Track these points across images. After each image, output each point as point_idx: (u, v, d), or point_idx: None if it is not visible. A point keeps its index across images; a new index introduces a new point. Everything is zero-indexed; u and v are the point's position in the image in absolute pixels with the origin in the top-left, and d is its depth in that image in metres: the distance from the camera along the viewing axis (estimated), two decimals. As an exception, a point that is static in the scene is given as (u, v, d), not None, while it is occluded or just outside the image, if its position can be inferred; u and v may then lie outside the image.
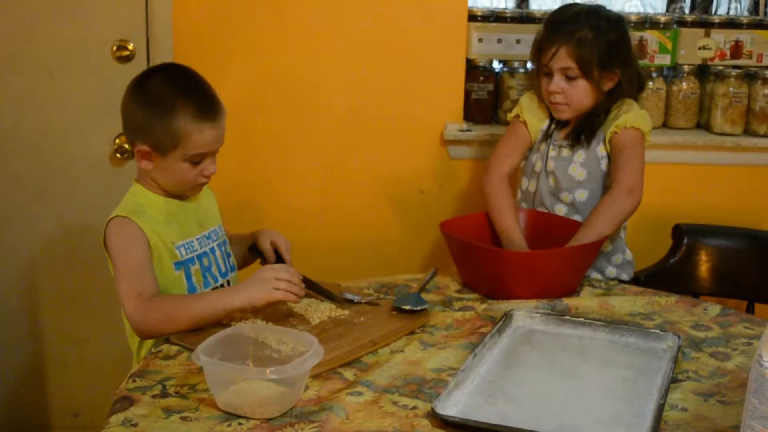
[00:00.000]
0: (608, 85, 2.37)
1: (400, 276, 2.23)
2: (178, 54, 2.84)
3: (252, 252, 2.17)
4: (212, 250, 2.05)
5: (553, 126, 2.46)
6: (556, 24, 2.38)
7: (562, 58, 2.33)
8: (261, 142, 2.97)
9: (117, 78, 2.62)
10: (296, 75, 2.93)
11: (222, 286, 2.06)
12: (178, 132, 1.90)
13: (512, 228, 2.30)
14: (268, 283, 1.81)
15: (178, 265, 1.96)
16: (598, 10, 2.42)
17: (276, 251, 2.13)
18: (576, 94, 2.35)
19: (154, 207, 1.96)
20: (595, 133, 2.38)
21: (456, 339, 1.86)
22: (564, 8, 2.45)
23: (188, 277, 1.98)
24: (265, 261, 2.13)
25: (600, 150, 2.38)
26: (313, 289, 2.00)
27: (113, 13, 2.81)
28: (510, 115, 2.54)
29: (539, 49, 2.40)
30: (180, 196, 2.02)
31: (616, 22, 2.40)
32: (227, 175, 2.81)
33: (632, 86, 2.42)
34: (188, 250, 1.98)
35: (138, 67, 2.78)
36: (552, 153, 2.43)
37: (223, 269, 2.08)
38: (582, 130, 2.40)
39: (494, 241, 2.33)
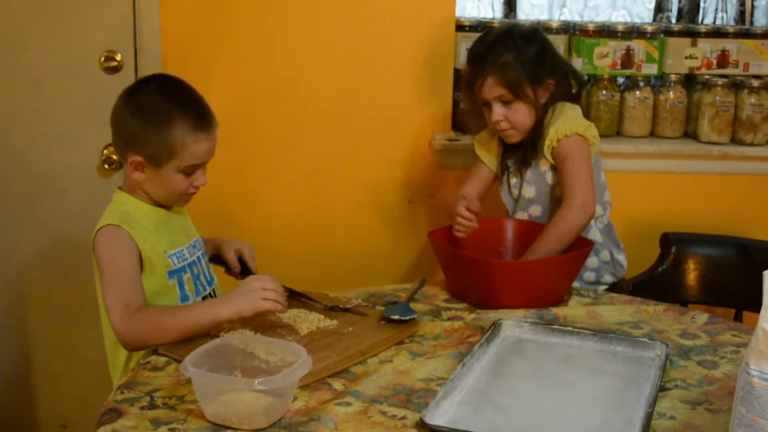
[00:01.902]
0: (545, 97, 2.39)
1: (389, 286, 2.24)
2: (167, 64, 2.84)
3: (214, 262, 2.16)
4: (198, 259, 2.06)
5: (503, 160, 2.51)
6: (478, 56, 2.40)
7: (492, 87, 2.35)
8: (248, 152, 2.97)
9: (105, 89, 2.62)
10: (283, 85, 2.94)
11: (210, 294, 2.06)
12: (175, 143, 1.90)
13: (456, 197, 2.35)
14: (256, 293, 1.81)
15: (172, 273, 1.96)
16: (512, 30, 2.42)
17: (241, 260, 2.13)
18: (517, 117, 2.37)
19: (144, 216, 1.96)
20: (537, 148, 2.40)
21: (445, 349, 1.86)
22: (480, 40, 2.45)
23: (181, 285, 1.98)
24: (229, 271, 2.13)
25: (542, 165, 2.40)
26: (298, 296, 2.00)
27: (101, 24, 2.81)
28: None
29: (470, 86, 2.42)
30: (166, 205, 2.02)
31: (532, 35, 2.41)
32: (213, 184, 2.80)
33: (567, 88, 2.44)
34: (180, 259, 1.99)
35: (126, 77, 2.78)
36: (513, 180, 2.48)
37: (208, 278, 2.09)
38: (527, 150, 2.42)
39: (482, 251, 2.32)
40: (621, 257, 2.51)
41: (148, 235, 1.92)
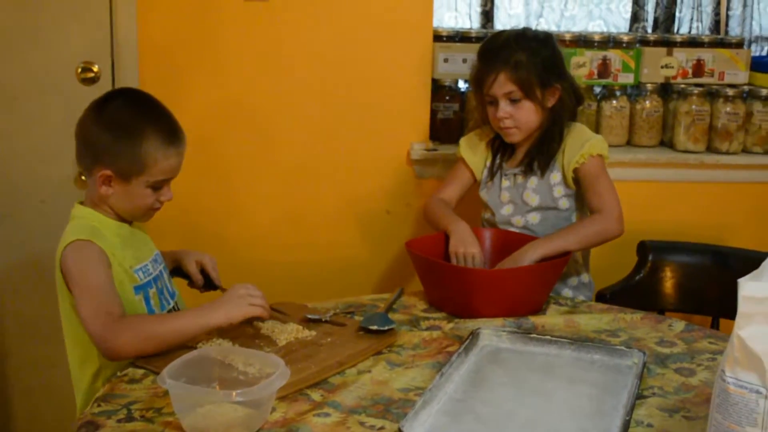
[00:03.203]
0: (551, 102, 2.42)
1: (367, 296, 2.24)
2: (144, 75, 2.84)
3: (175, 275, 2.15)
4: (161, 272, 2.05)
5: (498, 161, 2.51)
6: (490, 53, 2.43)
7: (503, 84, 2.38)
8: (225, 164, 2.97)
9: (82, 100, 2.57)
10: (261, 96, 2.94)
11: (174, 307, 2.05)
12: (146, 158, 1.90)
13: (458, 219, 2.34)
14: (244, 300, 1.83)
15: (138, 289, 1.95)
16: (526, 32, 2.48)
17: (203, 272, 2.12)
18: (523, 116, 2.40)
19: (109, 231, 1.94)
20: (550, 161, 2.41)
21: (423, 358, 1.86)
22: (493, 38, 2.50)
23: (147, 300, 1.97)
24: (191, 283, 2.12)
25: (553, 177, 2.42)
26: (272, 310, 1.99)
27: (78, 35, 2.80)
28: (456, 156, 2.60)
29: (479, 82, 2.45)
30: (128, 221, 2.01)
31: (545, 40, 2.46)
32: (191, 196, 2.81)
33: (572, 99, 2.46)
34: (145, 274, 1.98)
35: (103, 89, 2.76)
36: (506, 184, 2.48)
37: (170, 291, 2.07)
38: (535, 157, 2.43)
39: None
40: (588, 280, 2.54)
41: (114, 251, 1.90)
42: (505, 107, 2.39)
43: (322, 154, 2.99)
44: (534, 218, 2.44)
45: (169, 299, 2.05)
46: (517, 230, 2.44)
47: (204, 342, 1.82)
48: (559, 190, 2.43)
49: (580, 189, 2.43)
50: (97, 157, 1.92)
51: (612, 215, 2.33)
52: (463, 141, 2.59)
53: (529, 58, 2.38)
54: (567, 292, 2.49)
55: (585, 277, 2.53)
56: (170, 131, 1.95)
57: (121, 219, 1.98)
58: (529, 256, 2.19)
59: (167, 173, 1.94)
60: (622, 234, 2.35)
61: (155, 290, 2.00)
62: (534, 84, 2.38)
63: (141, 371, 1.76)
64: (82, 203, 1.99)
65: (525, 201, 2.45)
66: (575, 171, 2.40)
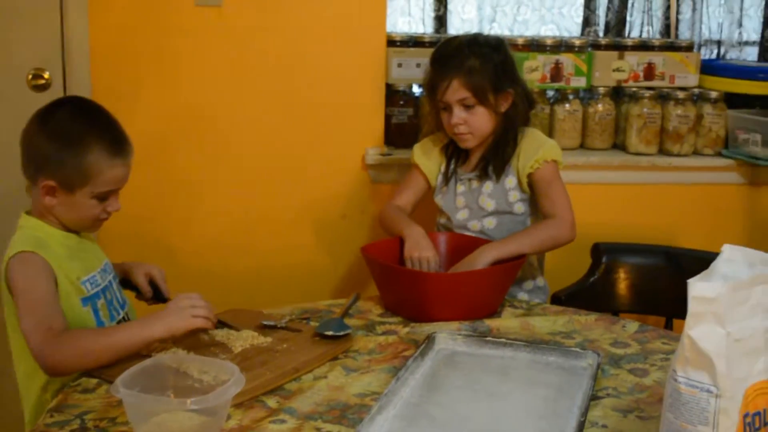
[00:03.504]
0: (504, 107, 2.43)
1: (323, 301, 2.23)
2: (96, 83, 2.82)
3: (123, 287, 2.12)
4: (110, 283, 2.02)
5: (453, 166, 2.51)
6: (443, 59, 2.44)
7: (457, 90, 2.38)
8: (178, 171, 2.95)
9: (33, 107, 2.54)
10: (214, 102, 2.92)
11: (124, 318, 2.02)
12: (90, 169, 1.87)
13: (412, 224, 2.34)
14: (186, 311, 1.80)
15: (86, 300, 1.92)
16: (478, 38, 2.48)
17: (152, 283, 2.10)
18: (477, 121, 2.40)
19: (55, 242, 1.91)
20: (505, 166, 2.43)
21: (379, 363, 1.86)
22: (445, 44, 2.50)
23: (96, 312, 1.93)
24: (140, 295, 2.10)
25: (508, 182, 2.43)
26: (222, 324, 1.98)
27: (29, 41, 2.77)
28: (411, 161, 2.59)
29: (432, 88, 2.45)
30: (76, 230, 1.98)
31: (497, 45, 2.46)
32: (140, 206, 2.79)
33: (525, 104, 2.47)
34: (93, 285, 1.94)
35: (54, 96, 2.73)
36: (461, 189, 2.48)
37: (120, 301, 2.05)
38: (490, 162, 2.44)
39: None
40: (543, 284, 2.56)
41: (61, 262, 1.87)
42: (459, 113, 2.40)
43: (276, 159, 2.98)
44: (490, 223, 2.45)
45: (119, 309, 2.02)
46: (472, 234, 2.44)
47: (158, 350, 1.81)
48: (514, 195, 2.44)
49: (534, 194, 2.44)
50: (41, 167, 1.89)
51: (565, 221, 2.35)
52: (417, 147, 2.59)
53: (481, 63, 2.39)
54: (523, 296, 2.50)
55: (540, 281, 2.55)
56: (116, 141, 1.92)
57: (68, 229, 1.95)
58: (482, 259, 2.20)
59: (112, 184, 1.91)
60: (573, 240, 2.37)
61: (104, 301, 1.96)
62: (487, 90, 2.39)
63: (94, 381, 1.74)
64: (29, 213, 1.96)
65: (480, 206, 2.45)
66: (529, 176, 2.41)
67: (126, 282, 2.12)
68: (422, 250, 2.25)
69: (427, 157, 2.55)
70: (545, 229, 2.34)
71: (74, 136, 1.88)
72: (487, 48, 2.43)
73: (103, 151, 1.88)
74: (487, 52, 2.41)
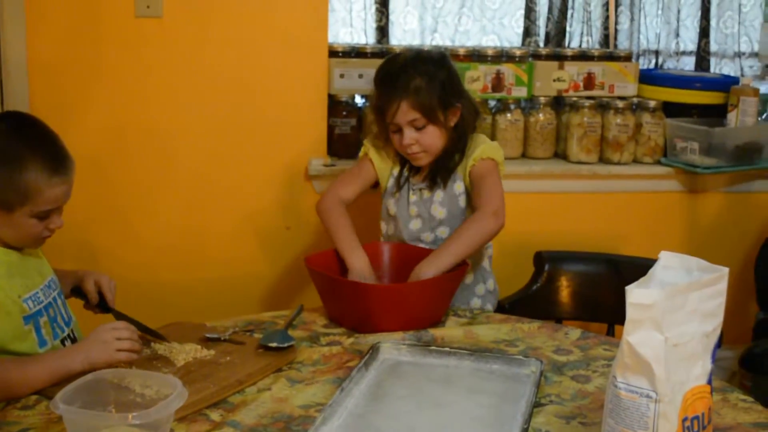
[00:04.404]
0: (453, 121, 2.42)
1: (267, 313, 2.22)
2: (35, 96, 2.78)
3: (75, 294, 2.09)
4: (54, 299, 1.98)
5: (405, 173, 2.50)
6: (388, 80, 2.41)
7: (406, 112, 2.36)
8: (120, 184, 2.92)
9: (-31, 120, 2.54)
10: (156, 114, 2.90)
11: (68, 335, 1.99)
12: (28, 188, 1.82)
13: (358, 253, 2.30)
14: (110, 345, 1.75)
15: (27, 318, 1.87)
16: (420, 54, 2.46)
17: (99, 292, 2.06)
18: (429, 140, 2.39)
19: None
20: (452, 174, 2.43)
21: (323, 374, 1.85)
22: (389, 64, 2.48)
23: (38, 330, 1.89)
24: (87, 304, 2.07)
25: (456, 188, 2.43)
26: (148, 333, 1.95)
27: (-36, 54, 2.73)
28: (361, 154, 2.56)
29: (380, 110, 2.42)
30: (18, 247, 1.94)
31: (441, 60, 2.45)
32: (84, 217, 2.76)
33: (472, 114, 2.47)
34: (35, 302, 1.90)
35: (-8, 109, 2.71)
36: (413, 198, 2.47)
37: (66, 318, 2.01)
38: (438, 172, 2.44)
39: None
40: (494, 287, 2.56)
41: (0, 281, 1.83)
42: (410, 134, 2.37)
43: (218, 170, 2.97)
44: (443, 232, 2.44)
45: (64, 327, 1.98)
46: (426, 245, 2.43)
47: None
48: (463, 200, 2.43)
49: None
50: None
51: (485, 211, 2.29)
52: (370, 141, 2.55)
53: (428, 83, 2.36)
54: (476, 301, 2.50)
55: (491, 285, 2.54)
56: (55, 159, 1.87)
57: (10, 246, 1.91)
58: (424, 278, 2.18)
59: (53, 203, 1.87)
60: (501, 227, 2.30)
61: (47, 318, 1.92)
62: (436, 108, 2.36)
63: (34, 397, 1.71)
64: None
65: (432, 215, 2.45)
66: (469, 175, 2.41)
67: (78, 290, 2.08)
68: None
69: (380, 155, 2.52)
70: (468, 227, 2.28)
71: (11, 154, 1.83)
72: (431, 65, 2.40)
73: (41, 170, 1.83)
74: (432, 70, 2.39)
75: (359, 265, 2.27)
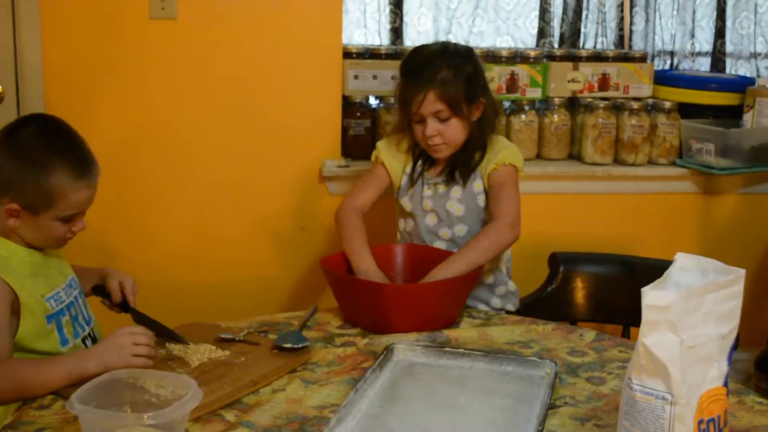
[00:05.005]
0: (476, 116, 2.42)
1: (281, 314, 2.22)
2: (50, 97, 2.79)
3: (96, 292, 2.10)
4: (75, 299, 1.99)
5: (419, 167, 2.49)
6: (415, 71, 2.40)
7: (432, 103, 2.36)
8: (134, 186, 2.93)
9: (-14, 121, 2.56)
10: (170, 116, 2.91)
11: (89, 334, 2.00)
12: (54, 192, 1.84)
13: (364, 255, 2.30)
14: (126, 350, 1.75)
15: (50, 318, 1.88)
16: (447, 47, 2.46)
17: (122, 293, 2.07)
18: (452, 133, 2.38)
19: (18, 260, 1.88)
20: (472, 172, 2.43)
21: (338, 375, 1.85)
22: (415, 54, 2.47)
23: (60, 329, 1.91)
24: (110, 301, 2.08)
25: (476, 186, 2.42)
26: (167, 334, 1.96)
27: (-20, 55, 2.75)
28: (372, 159, 2.56)
29: (405, 100, 2.42)
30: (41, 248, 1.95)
31: (468, 54, 2.45)
32: (100, 220, 2.76)
33: (493, 112, 2.47)
34: (58, 302, 1.91)
35: (7, 110, 2.73)
36: (428, 192, 2.46)
37: (87, 317, 2.02)
38: (456, 167, 2.44)
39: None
40: (514, 288, 2.56)
41: (24, 280, 1.84)
42: (433, 125, 2.37)
43: (233, 172, 2.97)
44: (461, 230, 2.44)
45: (85, 326, 2.00)
46: (443, 242, 2.44)
47: (114, 365, 1.79)
48: (482, 199, 2.43)
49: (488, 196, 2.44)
50: (4, 188, 1.85)
51: (503, 222, 2.31)
52: (381, 144, 2.56)
53: (455, 75, 2.36)
54: (496, 302, 2.50)
55: (511, 286, 2.54)
56: (80, 163, 1.88)
57: (33, 246, 1.92)
58: None
59: (77, 207, 1.89)
60: (516, 239, 2.32)
61: (68, 318, 1.94)
62: (461, 101, 2.36)
63: (50, 396, 1.72)
64: None
65: (449, 211, 2.44)
66: (488, 178, 2.41)
67: (102, 288, 2.09)
68: None
69: (392, 156, 2.52)
70: (485, 237, 2.29)
71: (38, 158, 1.84)
72: (459, 58, 2.40)
73: (66, 174, 1.84)
74: (459, 62, 2.39)
75: (365, 266, 2.27)
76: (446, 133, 2.38)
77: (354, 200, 2.49)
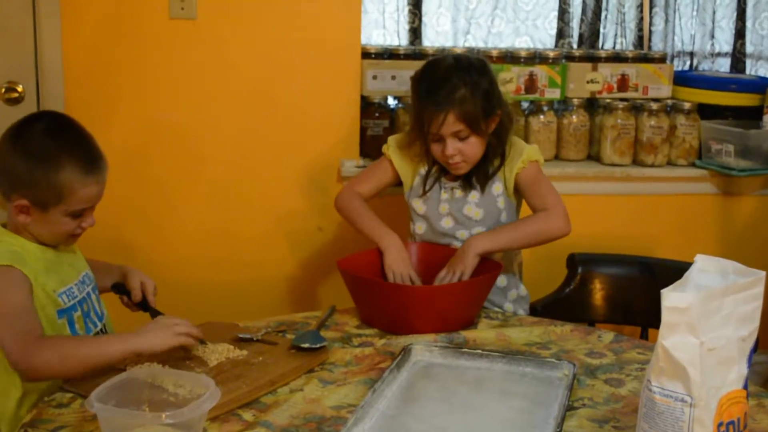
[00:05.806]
0: (492, 128, 2.38)
1: (299, 314, 2.23)
2: (69, 97, 2.81)
3: (115, 289, 2.11)
4: (88, 294, 2.01)
5: (435, 172, 2.46)
6: (432, 90, 2.34)
7: (452, 124, 2.30)
8: (153, 183, 2.94)
9: (6, 121, 2.53)
10: (189, 115, 2.92)
11: (101, 330, 2.01)
12: (63, 188, 1.85)
13: (383, 232, 2.34)
14: (170, 329, 1.79)
15: (62, 313, 1.90)
16: (461, 61, 2.38)
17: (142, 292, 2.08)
18: (471, 150, 2.34)
19: (32, 255, 1.89)
20: (490, 178, 2.41)
21: (355, 375, 1.85)
22: (429, 71, 2.40)
23: (71, 324, 1.92)
24: (129, 300, 2.09)
25: (495, 189, 2.41)
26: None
27: (2, 54, 2.77)
28: (383, 150, 2.54)
29: (422, 121, 2.35)
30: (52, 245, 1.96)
31: (482, 68, 2.39)
32: (117, 218, 2.78)
33: (509, 120, 2.44)
34: (70, 297, 1.93)
35: (28, 109, 2.74)
36: (444, 196, 2.44)
37: (99, 313, 2.03)
38: (473, 174, 2.42)
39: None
40: (525, 293, 2.55)
41: (37, 276, 1.85)
42: (453, 144, 2.32)
43: (251, 172, 2.98)
44: (478, 231, 2.42)
45: (97, 322, 2.01)
46: (460, 243, 2.41)
47: (133, 365, 1.79)
48: (501, 202, 2.42)
49: (519, 201, 2.44)
50: (14, 185, 1.87)
51: (556, 213, 2.34)
52: (392, 140, 2.52)
53: (473, 92, 2.31)
54: (508, 306, 2.49)
55: (523, 290, 2.54)
56: (89, 159, 1.90)
57: (44, 243, 1.94)
58: (473, 250, 2.22)
59: (86, 202, 1.90)
60: (568, 233, 2.34)
61: (80, 313, 1.95)
62: (479, 118, 2.32)
63: (69, 395, 1.73)
64: (4, 226, 1.94)
65: (467, 215, 2.43)
66: (516, 178, 2.39)
67: (121, 286, 2.10)
68: (403, 268, 2.27)
69: (401, 156, 2.49)
70: (536, 221, 2.32)
71: (47, 154, 1.86)
72: (474, 74, 2.34)
73: (76, 170, 1.86)
74: (476, 78, 2.33)
75: (394, 246, 2.30)
76: (466, 151, 2.34)
77: (354, 187, 2.50)
